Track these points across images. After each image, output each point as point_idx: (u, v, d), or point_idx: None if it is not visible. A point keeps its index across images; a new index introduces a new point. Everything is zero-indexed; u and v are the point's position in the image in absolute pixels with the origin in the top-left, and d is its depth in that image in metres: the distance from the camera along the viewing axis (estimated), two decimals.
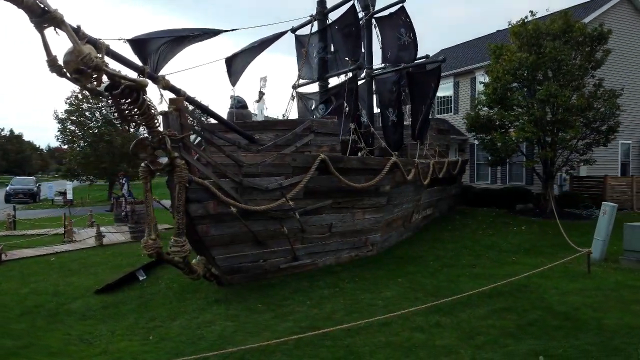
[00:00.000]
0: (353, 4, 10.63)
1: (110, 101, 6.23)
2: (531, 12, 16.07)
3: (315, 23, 11.73)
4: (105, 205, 23.95)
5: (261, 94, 24.46)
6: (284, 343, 5.33)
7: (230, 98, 11.00)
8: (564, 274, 8.37)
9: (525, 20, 15.72)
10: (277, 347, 5.27)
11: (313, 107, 11.88)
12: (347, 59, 10.92)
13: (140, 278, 8.83)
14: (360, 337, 5.62)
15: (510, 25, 16.16)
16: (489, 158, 16.63)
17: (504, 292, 7.18)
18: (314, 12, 11.63)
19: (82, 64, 5.52)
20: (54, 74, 5.91)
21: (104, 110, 30.41)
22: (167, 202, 9.06)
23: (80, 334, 6.06)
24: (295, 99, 12.90)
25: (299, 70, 12.74)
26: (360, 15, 12.13)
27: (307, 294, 7.55)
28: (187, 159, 7.06)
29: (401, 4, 12.21)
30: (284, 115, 12.76)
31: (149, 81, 6.17)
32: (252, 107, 24.29)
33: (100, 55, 5.79)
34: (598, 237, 9.94)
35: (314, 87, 12.89)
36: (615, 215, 10.15)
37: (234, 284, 8.11)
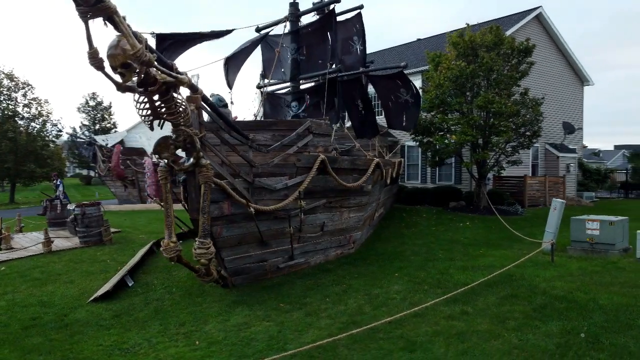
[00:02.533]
0: (333, 9, 10.86)
1: (142, 98, 5.95)
2: (467, 24, 17.43)
3: (288, 24, 11.79)
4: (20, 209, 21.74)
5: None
6: (340, 339, 5.48)
7: (210, 97, 10.71)
8: (533, 264, 9.31)
9: (462, 32, 17.02)
10: (336, 344, 5.40)
11: (288, 106, 11.93)
12: (320, 61, 11.14)
13: (130, 284, 8.36)
14: (405, 328, 5.94)
15: (448, 36, 17.39)
16: (430, 159, 17.73)
17: (498, 282, 7.88)
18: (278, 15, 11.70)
19: (134, 58, 5.26)
20: (92, 67, 5.58)
21: (3, 105, 27.58)
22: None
23: (113, 344, 5.67)
24: (261, 98, 12.85)
25: (264, 69, 12.69)
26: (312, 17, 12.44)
27: (320, 291, 7.69)
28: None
29: (358, 11, 12.67)
30: (255, 116, 12.64)
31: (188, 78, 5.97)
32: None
33: None
34: (549, 230, 11.12)
35: (278, 87, 12.92)
36: (529, 212, 11.43)
37: (237, 286, 8.02)
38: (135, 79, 5.86)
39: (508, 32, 20.20)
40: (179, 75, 5.82)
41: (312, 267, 9.25)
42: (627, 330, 5.68)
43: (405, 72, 13.06)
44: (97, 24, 5.32)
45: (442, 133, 17.14)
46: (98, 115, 49.78)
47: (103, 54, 5.46)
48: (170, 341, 5.74)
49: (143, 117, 6.20)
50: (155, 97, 5.83)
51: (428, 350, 5.26)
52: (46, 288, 8.31)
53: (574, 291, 7.34)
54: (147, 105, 5.96)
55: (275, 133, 8.76)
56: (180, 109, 6.04)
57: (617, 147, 76.15)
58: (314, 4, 12.58)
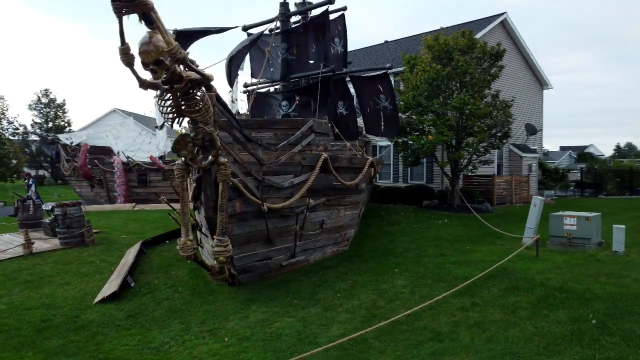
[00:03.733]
0: (327, 10, 11.00)
1: (166, 95, 5.94)
2: (442, 27, 17.99)
3: (274, 24, 11.85)
4: None
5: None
6: (366, 333, 5.64)
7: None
8: (521, 258, 9.77)
9: (437, 35, 17.54)
10: (364, 336, 5.56)
11: (279, 105, 11.97)
12: (311, 61, 11.27)
13: (132, 284, 8.21)
14: (425, 320, 6.18)
15: (424, 39, 17.88)
16: (407, 158, 18.15)
17: (495, 275, 8.26)
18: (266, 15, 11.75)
19: (168, 55, 5.24)
20: (122, 64, 5.52)
21: None
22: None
23: (140, 344, 5.60)
24: (244, 97, 12.85)
25: (252, 68, 12.69)
26: (297, 18, 12.56)
27: (328, 287, 7.84)
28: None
29: (342, 12, 12.87)
30: (246, 115, 12.58)
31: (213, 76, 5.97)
32: (155, 105, 22.99)
33: None
34: (529, 226, 11.72)
35: (264, 87, 12.94)
36: (498, 210, 12.04)
37: (243, 284, 8.04)
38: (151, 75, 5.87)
39: (476, 36, 20.95)
40: (206, 73, 5.83)
41: (311, 265, 9.37)
42: (629, 316, 6.13)
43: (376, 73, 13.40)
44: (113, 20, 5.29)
45: (417, 133, 17.61)
46: (51, 113, 47.76)
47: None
48: (197, 339, 5.73)
49: (165, 115, 6.16)
50: (182, 95, 5.83)
51: (455, 339, 5.51)
52: (43, 290, 8.04)
53: (568, 282, 7.80)
54: (171, 103, 5.96)
55: (277, 132, 8.83)
56: (204, 106, 6.04)
57: (563, 148, 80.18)
58: (296, 4, 12.68)
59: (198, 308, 6.88)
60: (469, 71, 16.45)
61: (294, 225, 8.46)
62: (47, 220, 13.52)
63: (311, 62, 11.35)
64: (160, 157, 22.60)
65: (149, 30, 5.21)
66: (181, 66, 5.59)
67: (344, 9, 12.45)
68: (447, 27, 22.20)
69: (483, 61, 17.58)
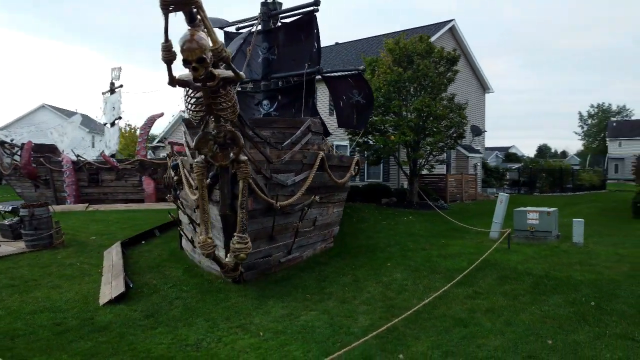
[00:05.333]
0: (313, 12, 11.18)
1: (196, 93, 5.96)
2: (403, 32, 18.71)
3: (254, 26, 11.89)
4: None
5: (112, 85, 22.53)
6: (396, 322, 5.97)
7: None
8: (496, 250, 10.49)
9: (398, 40, 18.21)
10: (394, 326, 5.88)
11: (258, 104, 11.98)
12: (293, 60, 11.45)
13: (131, 285, 8.02)
14: (441, 309, 6.59)
15: (385, 42, 18.51)
16: (369, 158, 18.68)
17: (482, 267, 8.84)
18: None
19: (215, 53, 5.28)
20: (163, 60, 5.49)
21: None
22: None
23: (175, 342, 5.54)
24: None
25: None
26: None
27: (333, 282, 8.09)
28: None
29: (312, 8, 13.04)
30: None
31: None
32: (103, 102, 22.16)
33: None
34: (496, 221, 12.55)
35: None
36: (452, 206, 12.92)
37: (247, 281, 8.10)
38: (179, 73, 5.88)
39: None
40: (239, 72, 5.89)
41: (305, 261, 9.57)
42: (616, 299, 6.88)
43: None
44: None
45: (378, 134, 18.20)
46: None
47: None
48: (230, 335, 5.79)
49: (193, 112, 6.14)
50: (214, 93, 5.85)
51: (477, 324, 5.95)
52: (34, 294, 7.68)
53: (550, 271, 8.54)
54: (201, 101, 5.96)
55: (274, 131, 8.93)
56: (233, 104, 6.09)
57: (489, 149, 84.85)
58: (266, 3, 12.74)
59: (215, 305, 6.89)
60: (428, 74, 17.24)
61: (295, 223, 8.62)
62: (5, 221, 12.72)
63: (293, 61, 11.51)
64: (112, 156, 21.75)
65: (190, 27, 5.23)
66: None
67: (317, 3, 12.51)
68: (398, 32, 23.08)
69: (439, 65, 18.46)
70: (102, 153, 21.44)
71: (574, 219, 11.56)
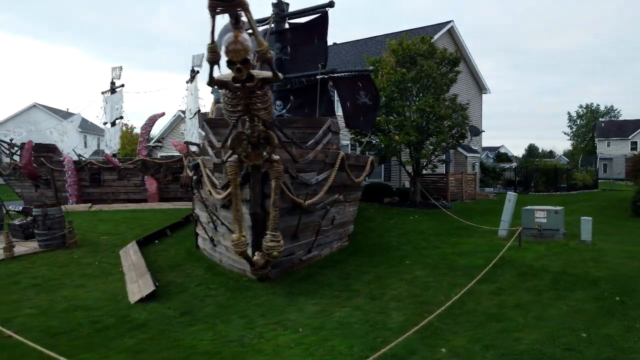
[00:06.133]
0: (326, 11, 11.29)
1: (236, 93, 6.05)
2: (406, 33, 18.89)
3: (268, 25, 11.97)
4: None
5: (113, 84, 22.43)
6: (431, 318, 6.10)
7: (213, 92, 10.56)
8: (509, 248, 10.68)
9: (401, 40, 18.39)
10: (430, 321, 6.01)
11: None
12: (306, 61, 11.55)
13: (156, 284, 8.07)
14: (470, 305, 6.74)
15: (388, 43, 18.68)
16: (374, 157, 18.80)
17: (500, 264, 9.00)
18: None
19: (260, 55, 5.38)
20: (208, 61, 5.58)
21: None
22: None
23: (218, 338, 5.62)
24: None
25: None
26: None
27: (356, 280, 8.22)
28: None
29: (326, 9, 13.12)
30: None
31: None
32: (103, 101, 22.07)
33: None
34: (504, 219, 12.77)
35: None
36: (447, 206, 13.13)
37: (272, 279, 8.20)
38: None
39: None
40: (278, 73, 5.98)
41: (322, 259, 9.68)
42: (636, 294, 7.10)
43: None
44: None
45: (381, 134, 18.36)
46: None
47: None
48: (269, 331, 5.89)
49: (230, 113, 6.22)
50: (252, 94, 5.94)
51: (510, 319, 6.11)
52: (61, 293, 7.71)
53: (566, 268, 8.75)
54: (240, 101, 6.05)
55: (295, 130, 9.03)
56: (270, 105, 6.19)
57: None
58: (274, 4, 12.85)
59: (247, 303, 6.98)
60: (432, 75, 17.44)
61: (318, 221, 8.74)
62: (16, 221, 12.67)
63: (306, 61, 11.61)
64: (113, 155, 21.66)
65: (234, 29, 5.32)
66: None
67: (331, 4, 12.54)
68: (398, 32, 23.27)
69: (441, 66, 18.67)
70: (104, 153, 21.36)
71: (581, 217, 11.81)
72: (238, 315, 6.47)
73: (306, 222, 8.66)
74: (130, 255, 10.07)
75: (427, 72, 17.33)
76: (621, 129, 65.50)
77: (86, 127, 45.31)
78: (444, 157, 19.28)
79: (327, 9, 11.08)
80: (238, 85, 5.92)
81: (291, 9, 13.33)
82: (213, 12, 5.21)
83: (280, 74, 6.21)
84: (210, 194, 8.72)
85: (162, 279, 8.44)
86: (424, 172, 20.31)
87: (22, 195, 21.90)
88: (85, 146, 40.90)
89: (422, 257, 9.92)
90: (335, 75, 13.78)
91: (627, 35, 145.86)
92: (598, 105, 79.21)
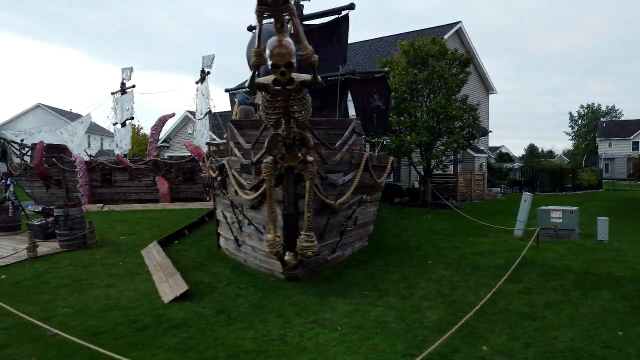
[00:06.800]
0: (347, 14, 11.39)
1: (275, 97, 6.15)
2: (417, 34, 18.99)
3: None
4: None
5: (123, 85, 22.49)
6: (468, 317, 6.20)
7: (236, 95, 10.65)
8: (529, 248, 10.79)
9: (413, 41, 18.50)
10: (466, 321, 6.11)
11: None
12: (324, 63, 11.64)
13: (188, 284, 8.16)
14: (501, 304, 6.84)
15: (399, 44, 18.78)
16: None
17: (523, 264, 9.07)
18: None
19: (305, 58, 5.49)
20: (253, 64, 5.70)
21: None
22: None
23: (259, 337, 5.71)
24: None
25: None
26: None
27: (383, 279, 8.30)
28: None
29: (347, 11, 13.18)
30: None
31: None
32: (114, 102, 22.13)
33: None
34: (520, 219, 12.86)
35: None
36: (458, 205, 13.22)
37: (299, 279, 8.28)
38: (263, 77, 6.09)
39: None
40: (317, 76, 6.08)
41: (345, 260, 9.77)
42: None
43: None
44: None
45: (393, 134, 18.47)
46: None
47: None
48: (309, 330, 5.97)
49: (269, 115, 6.31)
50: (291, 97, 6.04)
51: (544, 318, 6.22)
52: (92, 293, 7.79)
53: (588, 268, 8.86)
54: (279, 104, 6.14)
55: (320, 132, 9.10)
56: (308, 107, 6.28)
57: (480, 150, 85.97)
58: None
59: (280, 302, 7.07)
60: (443, 76, 17.55)
61: (344, 222, 8.83)
62: (35, 222, 12.74)
63: (324, 63, 11.70)
64: (124, 156, 21.74)
65: (278, 33, 5.42)
66: None
67: (352, 7, 12.42)
68: (407, 33, 23.37)
69: (452, 67, 18.79)
70: (115, 154, 21.45)
71: (598, 218, 11.94)
72: (274, 315, 6.55)
73: (332, 222, 8.74)
74: (154, 255, 10.16)
75: (439, 73, 17.44)
76: (623, 129, 65.70)
77: (90, 128, 45.31)
78: (456, 157, 19.38)
79: (347, 11, 11.16)
80: (278, 88, 6.04)
81: (306, 9, 13.46)
82: (260, 16, 5.33)
83: (319, 77, 6.32)
84: (236, 194, 8.81)
85: (189, 279, 8.50)
86: (437, 172, 20.44)
87: (33, 196, 21.97)
88: (89, 146, 40.94)
89: (443, 257, 10.01)
90: (350, 77, 13.91)
91: (627, 36, 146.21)
92: (599, 105, 79.51)
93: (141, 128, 41.59)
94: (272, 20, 5.25)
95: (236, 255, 9.81)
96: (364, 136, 17.84)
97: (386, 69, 13.88)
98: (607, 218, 11.83)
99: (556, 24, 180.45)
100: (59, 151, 21.86)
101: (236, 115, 10.77)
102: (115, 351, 5.20)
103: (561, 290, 7.50)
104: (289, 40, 5.44)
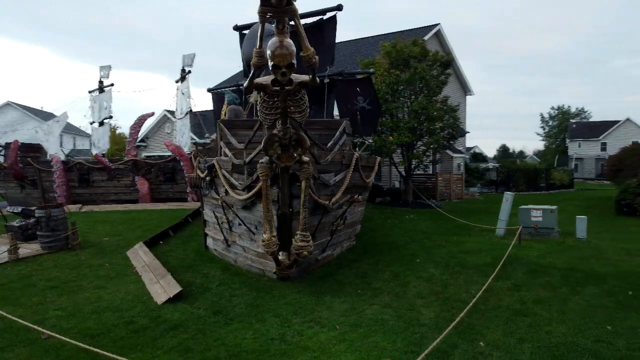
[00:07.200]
0: (335, 15, 11.45)
1: (273, 98, 6.18)
2: (399, 35, 19.19)
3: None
4: None
5: (101, 83, 22.05)
6: (462, 314, 6.34)
7: (225, 95, 10.59)
8: (507, 247, 11.03)
9: (395, 43, 18.69)
10: (461, 318, 6.25)
11: None
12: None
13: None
14: (493, 301, 7.00)
15: (382, 45, 18.95)
16: None
17: (509, 262, 9.29)
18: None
19: (306, 59, 5.53)
20: (254, 64, 5.71)
21: None
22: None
23: (258, 336, 5.70)
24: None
25: (245, 69, 12.71)
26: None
27: (375, 278, 8.39)
28: None
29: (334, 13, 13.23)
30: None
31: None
32: (91, 100, 21.73)
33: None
34: (502, 218, 13.16)
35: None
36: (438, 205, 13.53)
37: (291, 278, 8.31)
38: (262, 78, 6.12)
39: None
40: (316, 77, 6.11)
41: (335, 259, 9.85)
42: None
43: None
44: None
45: (374, 135, 18.62)
46: None
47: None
48: (307, 329, 6.02)
49: (267, 115, 6.32)
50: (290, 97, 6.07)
51: (536, 314, 6.40)
52: (83, 295, 7.66)
53: (573, 265, 9.13)
54: (277, 104, 6.17)
55: (312, 132, 9.15)
56: (306, 108, 6.32)
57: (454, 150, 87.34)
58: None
59: (275, 302, 7.08)
60: (425, 77, 17.79)
61: (335, 221, 8.89)
62: (15, 223, 12.42)
63: None
64: (102, 155, 21.35)
65: (279, 34, 5.45)
66: None
67: (339, 8, 12.47)
68: (388, 34, 23.60)
69: (433, 68, 19.06)
70: (94, 154, 21.05)
71: (577, 216, 12.31)
72: (271, 314, 6.57)
73: (323, 222, 8.80)
74: (141, 256, 10.04)
75: (421, 74, 17.67)
76: (592, 130, 67.59)
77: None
78: (435, 157, 19.67)
79: (335, 12, 11.22)
80: (277, 88, 6.07)
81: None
82: (263, 17, 5.36)
83: (317, 79, 6.37)
84: (226, 194, 8.79)
85: (180, 280, 8.44)
86: (417, 172, 20.68)
87: (6, 196, 21.39)
88: (61, 145, 40.02)
89: (431, 255, 10.17)
90: (336, 78, 13.98)
91: (594, 39, 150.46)
92: (569, 106, 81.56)
93: (117, 127, 40.87)
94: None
95: (225, 255, 9.77)
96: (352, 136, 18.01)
97: (372, 70, 14.05)
98: (585, 217, 12.20)
99: (526, 27, 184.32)
100: (34, 150, 21.33)
101: (225, 115, 10.72)
102: (115, 353, 5.15)
103: (549, 286, 7.71)
104: (289, 41, 5.47)
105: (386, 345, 5.43)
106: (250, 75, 5.97)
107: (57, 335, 5.28)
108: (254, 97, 11.38)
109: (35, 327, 5.43)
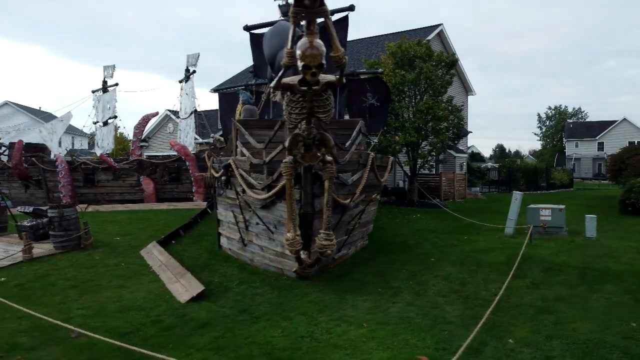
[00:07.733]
0: (347, 15, 11.50)
1: (300, 97, 6.21)
2: (404, 36, 19.26)
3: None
4: None
5: (105, 83, 22.03)
6: (487, 312, 6.40)
7: (240, 94, 10.62)
8: (520, 245, 11.13)
9: (400, 43, 18.77)
10: (484, 314, 6.31)
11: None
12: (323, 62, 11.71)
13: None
14: (514, 299, 7.07)
15: (387, 45, 19.03)
16: None
17: (523, 260, 9.35)
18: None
19: (337, 59, 5.56)
20: (284, 64, 5.73)
21: None
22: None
23: (287, 334, 5.74)
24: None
25: (255, 68, 12.76)
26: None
27: (392, 277, 8.45)
28: None
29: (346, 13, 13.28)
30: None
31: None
32: (94, 100, 21.69)
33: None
34: (511, 217, 13.25)
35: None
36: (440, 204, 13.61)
37: (310, 277, 8.36)
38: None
39: None
40: (343, 77, 6.16)
41: (350, 258, 9.90)
42: None
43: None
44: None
45: (380, 135, 18.68)
46: None
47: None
48: (335, 327, 6.06)
49: (293, 115, 6.36)
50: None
51: (559, 311, 6.47)
52: (104, 294, 7.68)
53: (587, 263, 9.22)
54: (303, 105, 6.20)
55: (329, 132, 9.19)
56: (331, 107, 6.35)
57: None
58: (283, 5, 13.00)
59: (299, 300, 7.12)
60: (430, 77, 17.87)
61: (352, 220, 8.94)
62: (26, 223, 12.40)
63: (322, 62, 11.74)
64: (108, 155, 21.32)
65: (309, 35, 5.49)
66: None
67: (352, 8, 12.47)
68: (393, 34, 23.68)
69: (437, 69, 19.14)
70: (99, 154, 21.02)
71: (586, 215, 12.43)
72: (297, 312, 6.61)
73: (340, 221, 8.84)
74: (157, 256, 10.06)
75: (426, 74, 17.75)
76: (589, 130, 67.98)
77: None
78: (440, 157, 19.76)
79: (347, 12, 11.28)
80: (304, 88, 6.11)
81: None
82: (295, 18, 5.39)
83: (344, 79, 6.42)
84: (243, 193, 8.82)
85: (198, 279, 8.47)
86: (423, 172, 20.77)
87: (10, 196, 21.30)
88: (60, 145, 39.90)
89: (444, 254, 10.24)
90: (349, 78, 14.04)
91: (585, 40, 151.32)
92: (566, 106, 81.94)
93: (119, 127, 40.78)
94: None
95: (241, 254, 9.80)
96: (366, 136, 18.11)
97: (380, 70, 14.10)
98: (594, 216, 12.31)
99: (519, 27, 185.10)
100: (38, 150, 21.28)
101: (240, 115, 10.76)
102: (152, 351, 5.18)
103: (567, 285, 7.79)
104: (319, 41, 5.51)
105: (417, 343, 5.48)
106: (279, 74, 6.01)
107: (89, 333, 5.28)
108: (278, 96, 11.45)
109: (66, 325, 5.44)
